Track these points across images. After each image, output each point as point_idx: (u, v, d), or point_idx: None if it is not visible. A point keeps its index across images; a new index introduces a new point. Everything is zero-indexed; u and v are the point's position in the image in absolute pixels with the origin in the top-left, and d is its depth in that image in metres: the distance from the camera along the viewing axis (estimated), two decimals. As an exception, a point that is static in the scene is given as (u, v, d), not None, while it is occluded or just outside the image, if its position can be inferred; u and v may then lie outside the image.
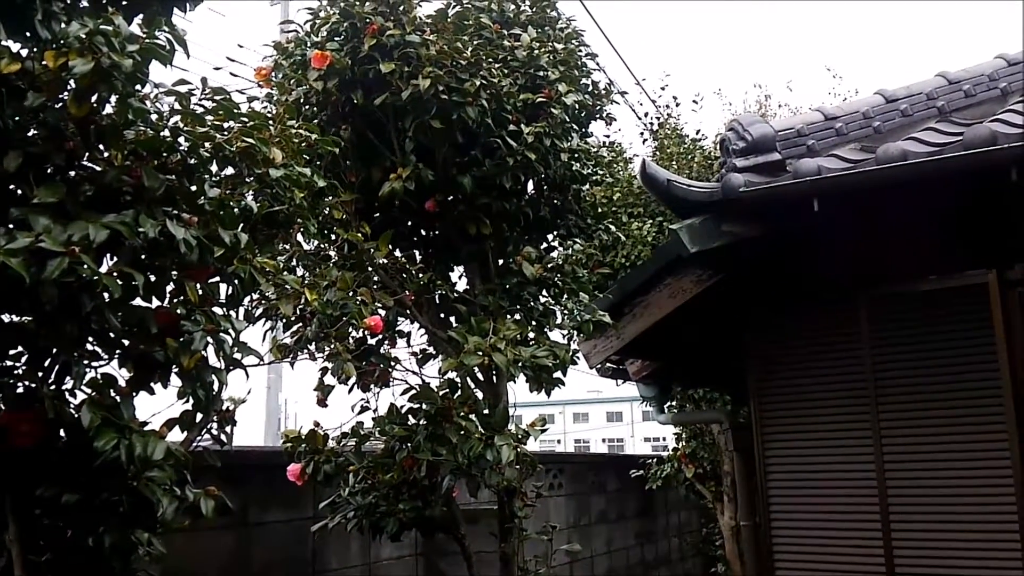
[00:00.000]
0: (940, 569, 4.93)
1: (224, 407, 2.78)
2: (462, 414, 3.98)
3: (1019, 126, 4.35)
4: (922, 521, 5.04)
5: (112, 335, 2.39)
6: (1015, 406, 4.73)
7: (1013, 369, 4.75)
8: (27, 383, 2.38)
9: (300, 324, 4.04)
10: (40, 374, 2.38)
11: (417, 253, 4.98)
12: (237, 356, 2.59)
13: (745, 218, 4.96)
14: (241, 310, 2.83)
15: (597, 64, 5.27)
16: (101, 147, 2.41)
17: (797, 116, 6.87)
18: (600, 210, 5.65)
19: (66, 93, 2.30)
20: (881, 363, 5.27)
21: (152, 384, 2.46)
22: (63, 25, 2.31)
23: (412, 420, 4.10)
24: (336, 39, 4.34)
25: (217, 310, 2.58)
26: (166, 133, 2.48)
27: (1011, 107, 4.81)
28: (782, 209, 4.89)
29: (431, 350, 4.69)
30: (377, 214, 4.69)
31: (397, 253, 4.77)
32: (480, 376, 4.55)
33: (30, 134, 2.33)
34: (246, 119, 2.66)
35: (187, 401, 2.53)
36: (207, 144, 2.53)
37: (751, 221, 4.98)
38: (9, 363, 2.38)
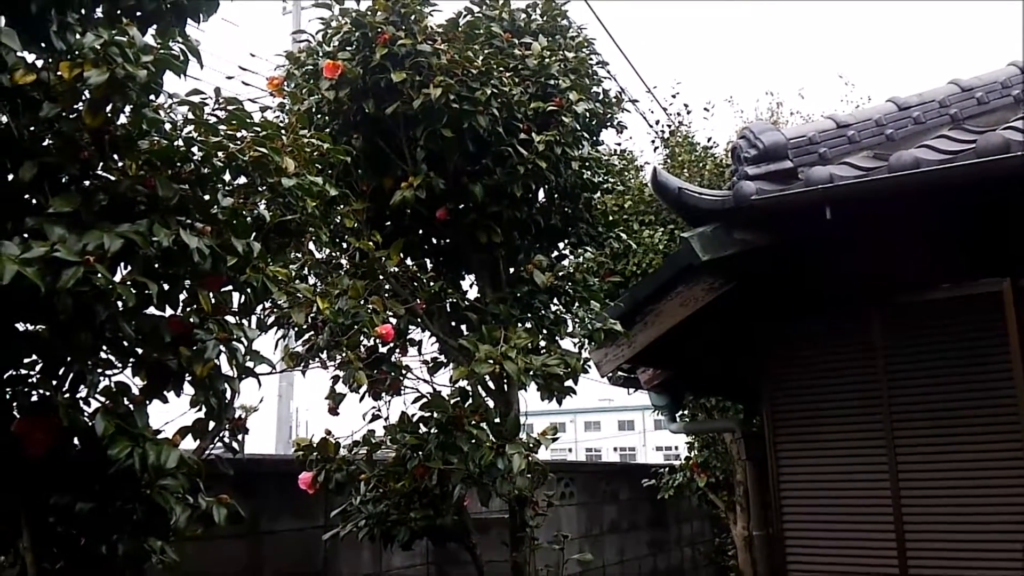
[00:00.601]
0: (955, 579, 4.89)
1: (236, 415, 2.79)
2: (473, 423, 3.98)
3: (1032, 133, 4.33)
4: (936, 531, 5.00)
5: (126, 344, 2.40)
6: (1030, 415, 4.70)
7: (1028, 377, 4.72)
8: (41, 391, 2.39)
9: (312, 332, 4.05)
10: (54, 382, 2.39)
11: (428, 261, 4.99)
12: (250, 364, 2.60)
13: (757, 226, 4.95)
14: (254, 319, 2.85)
15: (608, 72, 5.30)
16: (115, 157, 2.43)
17: (809, 124, 6.85)
18: (611, 218, 5.65)
19: (81, 103, 2.32)
20: (895, 372, 5.24)
21: (165, 392, 2.47)
22: (78, 36, 2.33)
23: (423, 428, 4.10)
24: (348, 48, 4.36)
25: (230, 319, 2.60)
26: (180, 143, 2.50)
27: (1024, 114, 4.79)
28: (794, 217, 4.88)
29: (442, 358, 4.69)
30: (388, 223, 4.70)
31: (408, 261, 4.78)
32: (491, 385, 4.55)
33: (45, 144, 2.35)
34: (258, 128, 2.68)
35: (200, 409, 2.54)
36: (220, 153, 2.54)
37: (763, 229, 4.97)
38: (24, 372, 2.40)
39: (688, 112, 10.18)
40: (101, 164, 2.41)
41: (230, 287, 2.60)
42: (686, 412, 8.78)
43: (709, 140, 9.67)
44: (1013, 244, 4.85)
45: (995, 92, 5.52)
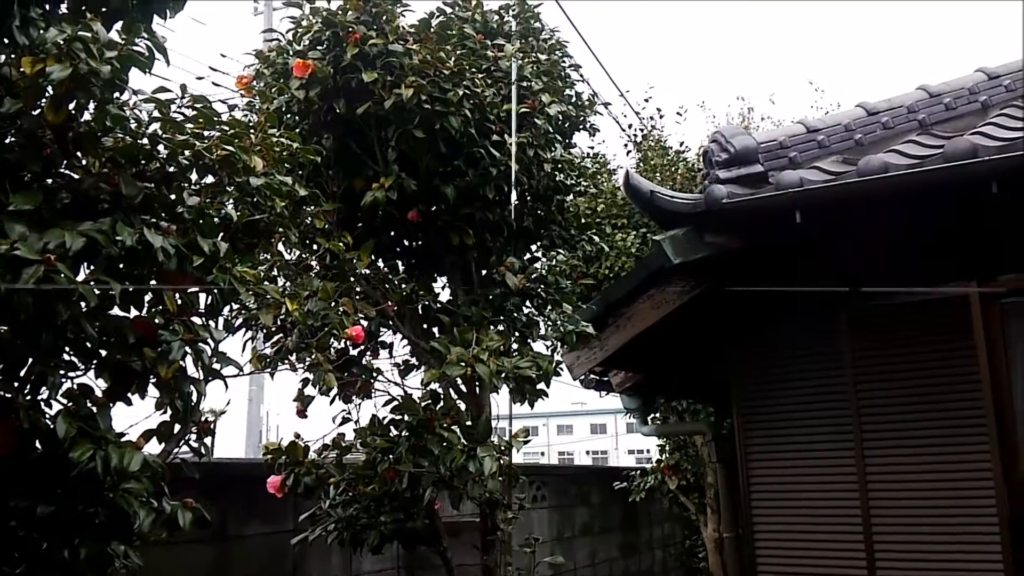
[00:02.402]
0: (922, 581, 4.94)
1: (203, 418, 2.75)
2: (444, 425, 3.95)
3: (999, 139, 4.38)
4: (904, 533, 5.04)
5: (88, 345, 2.36)
6: (995, 417, 4.75)
7: (994, 379, 4.77)
8: (2, 393, 2.34)
9: (281, 334, 4.00)
10: (15, 384, 2.34)
11: (400, 263, 4.96)
12: (216, 366, 2.56)
13: (728, 229, 4.97)
14: (221, 320, 2.81)
15: (581, 75, 5.28)
16: (79, 154, 2.39)
17: (780, 128, 6.90)
18: (584, 221, 5.65)
19: (43, 99, 2.27)
20: (863, 375, 5.28)
21: (129, 395, 2.43)
22: (41, 31, 2.29)
23: (394, 431, 4.07)
24: (318, 48, 4.32)
25: (196, 320, 2.56)
26: (145, 140, 2.46)
27: (991, 120, 4.85)
28: (764, 221, 4.90)
29: (413, 361, 4.66)
30: (359, 224, 4.66)
31: (379, 263, 4.75)
32: (463, 387, 4.53)
33: (7, 141, 2.31)
34: (226, 127, 2.65)
35: (165, 412, 2.50)
36: (186, 152, 2.51)
37: (734, 232, 4.99)
38: (-17, 373, 2.35)
39: (660, 116, 10.24)
40: (64, 161, 2.37)
41: (196, 288, 2.56)
42: (657, 415, 8.79)
43: (681, 144, 9.74)
44: (980, 248, 4.91)
45: (963, 98, 5.58)
